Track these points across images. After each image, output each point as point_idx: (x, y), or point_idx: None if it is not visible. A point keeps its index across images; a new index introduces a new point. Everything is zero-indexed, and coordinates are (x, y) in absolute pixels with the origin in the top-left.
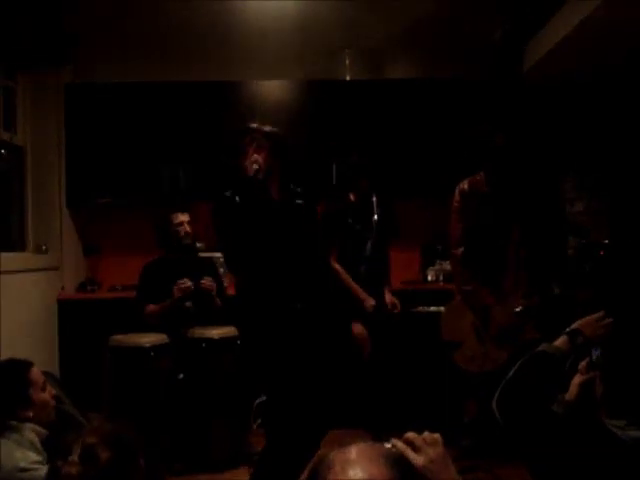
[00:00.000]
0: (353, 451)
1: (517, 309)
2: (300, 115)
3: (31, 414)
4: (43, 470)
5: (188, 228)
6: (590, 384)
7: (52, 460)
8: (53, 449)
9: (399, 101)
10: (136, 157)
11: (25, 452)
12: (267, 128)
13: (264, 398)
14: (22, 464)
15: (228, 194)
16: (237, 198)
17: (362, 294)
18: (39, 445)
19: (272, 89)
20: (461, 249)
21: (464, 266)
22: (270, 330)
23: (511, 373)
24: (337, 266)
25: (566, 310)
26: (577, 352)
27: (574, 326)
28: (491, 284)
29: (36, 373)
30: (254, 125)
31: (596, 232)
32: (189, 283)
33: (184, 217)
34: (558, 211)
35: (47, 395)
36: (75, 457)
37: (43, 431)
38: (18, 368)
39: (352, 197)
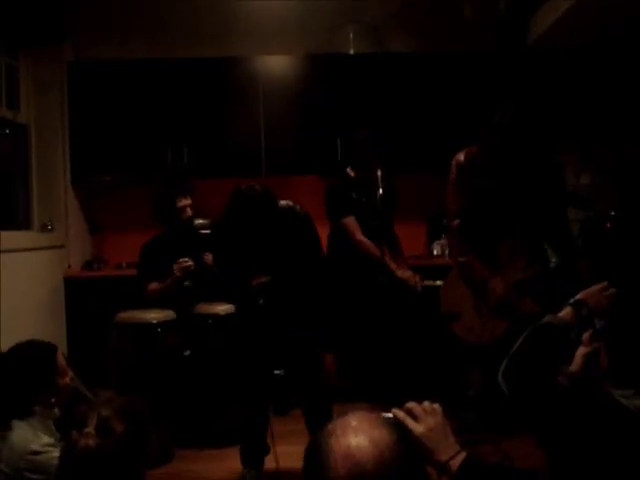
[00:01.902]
0: (353, 418)
1: (515, 281)
2: (303, 90)
3: (54, 400)
4: (56, 452)
5: (190, 212)
6: (595, 355)
7: (65, 436)
8: (64, 425)
9: (403, 74)
10: (139, 134)
11: (38, 435)
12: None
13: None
14: (34, 447)
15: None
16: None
17: (393, 265)
18: (52, 427)
19: (275, 64)
20: (457, 221)
21: (460, 238)
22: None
23: (516, 346)
24: (364, 239)
25: (564, 282)
26: (582, 323)
27: (578, 297)
28: (487, 256)
29: (61, 358)
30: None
31: (603, 205)
32: (190, 262)
33: (187, 201)
34: (558, 182)
35: (68, 379)
36: (91, 429)
37: (56, 412)
38: (45, 353)
39: (351, 172)
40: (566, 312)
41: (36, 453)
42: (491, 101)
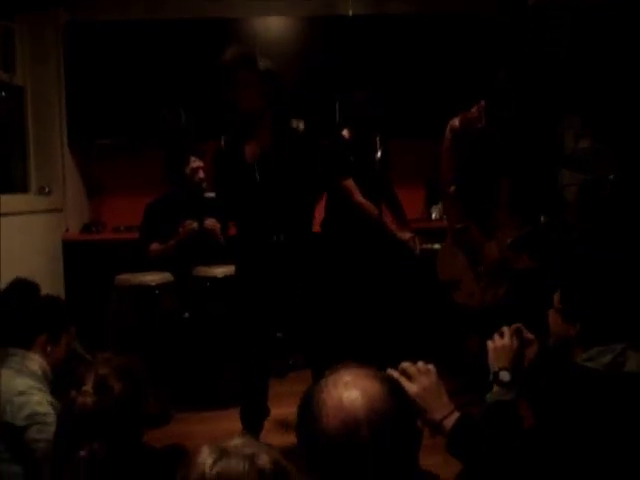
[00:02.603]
0: (346, 372)
1: (509, 241)
2: (302, 52)
3: (49, 349)
4: (40, 396)
5: (202, 175)
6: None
7: (62, 393)
8: (61, 386)
9: (402, 37)
10: (136, 96)
11: (24, 379)
12: (261, 64)
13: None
14: (20, 388)
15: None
16: (222, 141)
17: (393, 227)
18: (42, 376)
19: (274, 26)
20: (453, 187)
21: (456, 205)
22: (246, 264)
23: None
24: (363, 200)
25: (554, 236)
26: (514, 383)
27: (493, 368)
28: (483, 221)
29: (73, 331)
30: (248, 55)
31: (601, 168)
32: (194, 224)
33: (200, 163)
34: (552, 145)
35: (65, 351)
36: (89, 387)
37: (47, 368)
38: (67, 312)
39: (346, 134)
40: (496, 389)
41: (21, 393)
42: (491, 64)
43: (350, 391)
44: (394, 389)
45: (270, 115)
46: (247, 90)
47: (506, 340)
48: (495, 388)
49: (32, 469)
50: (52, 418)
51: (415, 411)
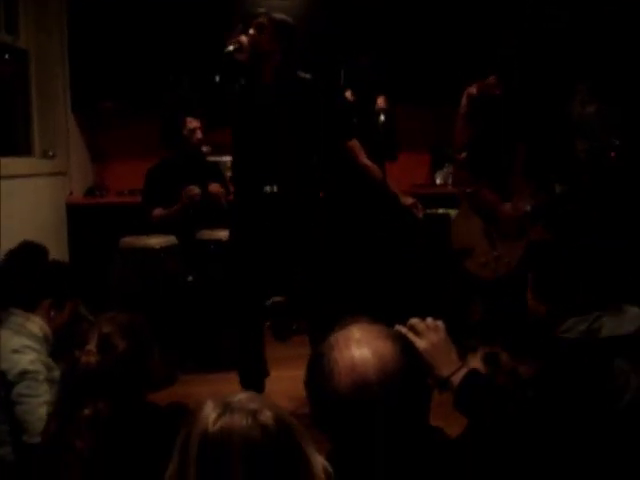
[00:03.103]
0: (356, 329)
1: (526, 208)
2: (306, 17)
3: (52, 314)
4: (33, 355)
5: (200, 135)
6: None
7: (65, 354)
8: (64, 349)
9: (408, 3)
10: (140, 60)
11: (22, 338)
12: (277, 15)
13: (276, 299)
14: (15, 346)
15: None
16: (217, 78)
17: (396, 191)
18: (41, 337)
19: None
20: (464, 154)
21: (467, 170)
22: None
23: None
24: (369, 162)
25: (572, 208)
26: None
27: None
28: (496, 184)
29: (79, 304)
30: (262, 10)
31: (607, 134)
32: (197, 190)
33: (197, 123)
34: (566, 114)
35: (69, 319)
36: (92, 346)
37: (47, 329)
38: (76, 280)
39: (350, 97)
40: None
41: (15, 352)
42: (498, 31)
43: (362, 349)
44: (405, 348)
45: (280, 62)
46: (262, 34)
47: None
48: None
49: (14, 427)
50: (42, 377)
51: (425, 369)
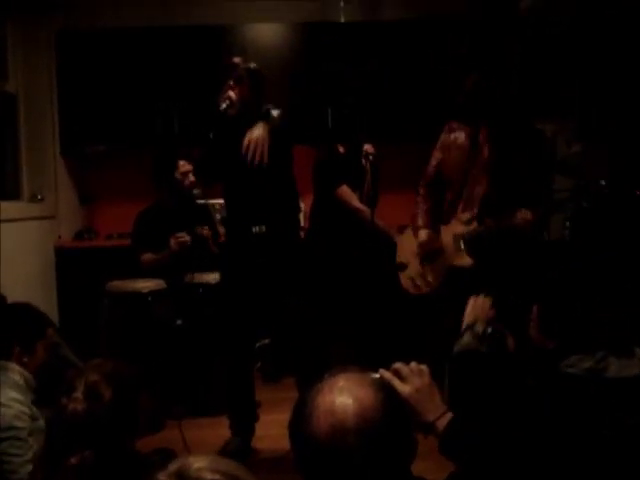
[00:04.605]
0: (342, 377)
1: (456, 233)
2: (294, 58)
3: (26, 360)
4: (17, 408)
5: (192, 178)
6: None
7: (49, 398)
8: (51, 393)
9: (394, 43)
10: (129, 103)
11: (5, 389)
12: (251, 65)
13: (265, 342)
14: (0, 399)
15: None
16: (211, 135)
17: (391, 231)
18: (24, 387)
19: (265, 32)
20: (425, 188)
21: (425, 203)
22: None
23: (446, 385)
24: (361, 205)
25: (498, 238)
26: (486, 339)
27: (468, 320)
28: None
29: (52, 333)
30: (236, 60)
31: (593, 173)
32: (187, 237)
33: (189, 167)
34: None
35: (46, 357)
36: (79, 394)
37: (30, 377)
38: (39, 317)
39: (342, 149)
40: (466, 336)
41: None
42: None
43: (343, 397)
44: (389, 397)
45: (255, 107)
46: (242, 85)
47: (486, 300)
48: (466, 339)
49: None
50: (27, 432)
51: (410, 418)
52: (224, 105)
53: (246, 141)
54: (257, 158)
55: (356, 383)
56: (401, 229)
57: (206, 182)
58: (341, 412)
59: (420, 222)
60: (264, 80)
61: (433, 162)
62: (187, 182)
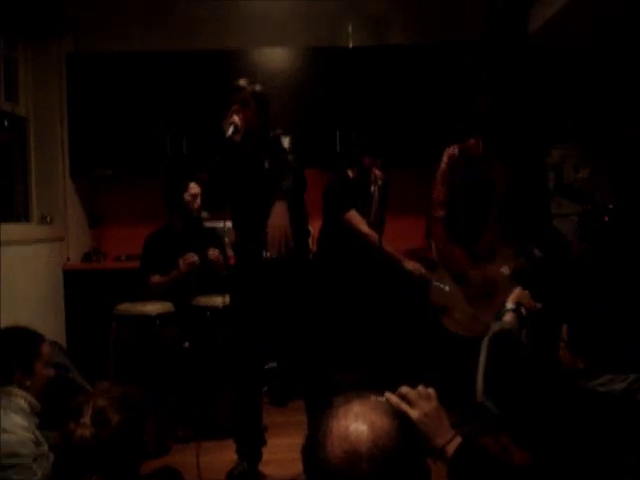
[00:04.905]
0: (357, 403)
1: (504, 271)
2: (303, 82)
3: (28, 383)
4: (22, 435)
5: (200, 202)
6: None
7: (58, 425)
8: (58, 416)
9: (403, 67)
10: (139, 127)
11: (10, 415)
12: (256, 87)
13: (272, 365)
14: (3, 425)
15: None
16: (217, 159)
17: (399, 256)
18: (28, 411)
19: (275, 57)
20: (443, 212)
21: (442, 227)
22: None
23: (483, 361)
24: (369, 230)
25: (554, 273)
26: (523, 323)
27: (513, 301)
28: (469, 246)
29: (46, 348)
30: (242, 83)
31: (601, 198)
32: (195, 258)
33: (198, 189)
34: (544, 177)
35: (47, 372)
36: (87, 420)
37: (34, 401)
38: (31, 337)
39: (351, 173)
40: (509, 317)
41: (3, 431)
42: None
43: (358, 423)
44: (404, 426)
45: (260, 130)
46: (247, 109)
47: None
48: (507, 318)
49: None
50: (31, 459)
51: (424, 450)
52: (230, 131)
53: (269, 230)
54: (283, 249)
55: (371, 409)
56: (409, 253)
57: (212, 209)
58: (355, 438)
59: (464, 265)
60: (269, 103)
61: (442, 196)
62: (196, 205)
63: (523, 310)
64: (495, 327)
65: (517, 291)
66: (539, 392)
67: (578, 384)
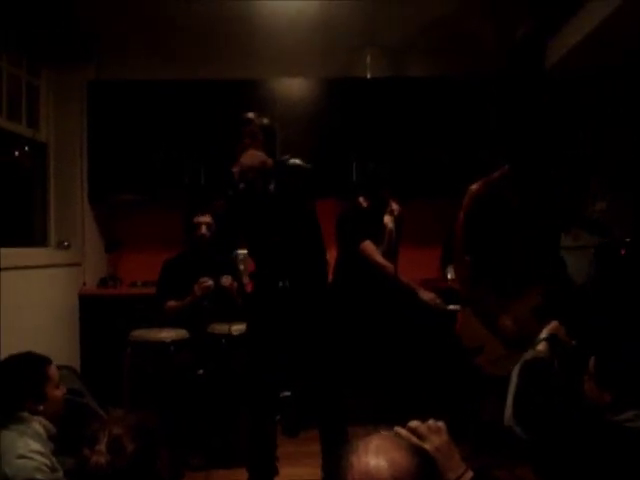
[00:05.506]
0: (377, 438)
1: (534, 307)
2: (320, 113)
3: (42, 408)
4: (38, 461)
5: (204, 230)
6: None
7: (75, 452)
8: (73, 441)
9: (420, 99)
10: (157, 154)
11: (27, 441)
12: (264, 120)
13: (286, 394)
14: (21, 451)
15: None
16: (230, 192)
17: (415, 286)
18: (45, 436)
19: (293, 87)
20: (467, 257)
21: (470, 272)
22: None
23: (513, 387)
24: (383, 260)
25: (576, 303)
26: (557, 353)
27: (548, 332)
28: (497, 289)
29: (53, 370)
30: (250, 116)
31: (619, 231)
32: (210, 282)
33: (203, 218)
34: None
35: (59, 392)
36: (102, 447)
37: (50, 425)
38: (37, 362)
39: (364, 203)
40: (543, 346)
41: (21, 457)
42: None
43: (379, 459)
44: (423, 463)
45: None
46: (255, 141)
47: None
48: (540, 347)
49: None
50: None
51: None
52: (242, 185)
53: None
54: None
55: (391, 445)
56: (424, 283)
57: (227, 249)
58: (375, 474)
59: (492, 307)
60: (276, 135)
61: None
62: (199, 233)
63: (557, 341)
64: (528, 355)
65: (554, 323)
66: (568, 422)
67: (605, 418)
